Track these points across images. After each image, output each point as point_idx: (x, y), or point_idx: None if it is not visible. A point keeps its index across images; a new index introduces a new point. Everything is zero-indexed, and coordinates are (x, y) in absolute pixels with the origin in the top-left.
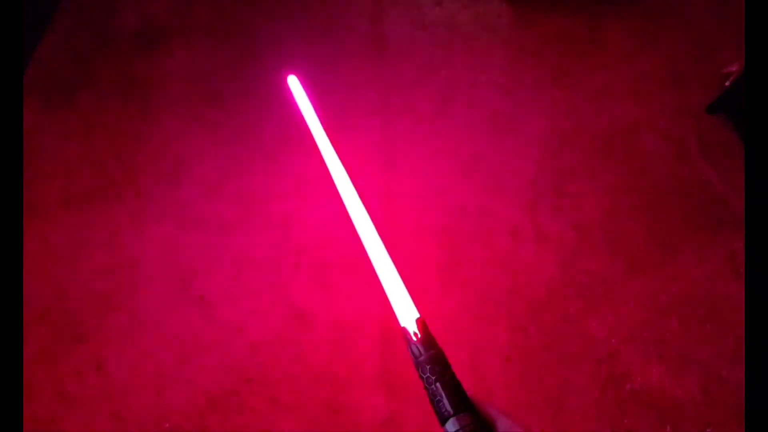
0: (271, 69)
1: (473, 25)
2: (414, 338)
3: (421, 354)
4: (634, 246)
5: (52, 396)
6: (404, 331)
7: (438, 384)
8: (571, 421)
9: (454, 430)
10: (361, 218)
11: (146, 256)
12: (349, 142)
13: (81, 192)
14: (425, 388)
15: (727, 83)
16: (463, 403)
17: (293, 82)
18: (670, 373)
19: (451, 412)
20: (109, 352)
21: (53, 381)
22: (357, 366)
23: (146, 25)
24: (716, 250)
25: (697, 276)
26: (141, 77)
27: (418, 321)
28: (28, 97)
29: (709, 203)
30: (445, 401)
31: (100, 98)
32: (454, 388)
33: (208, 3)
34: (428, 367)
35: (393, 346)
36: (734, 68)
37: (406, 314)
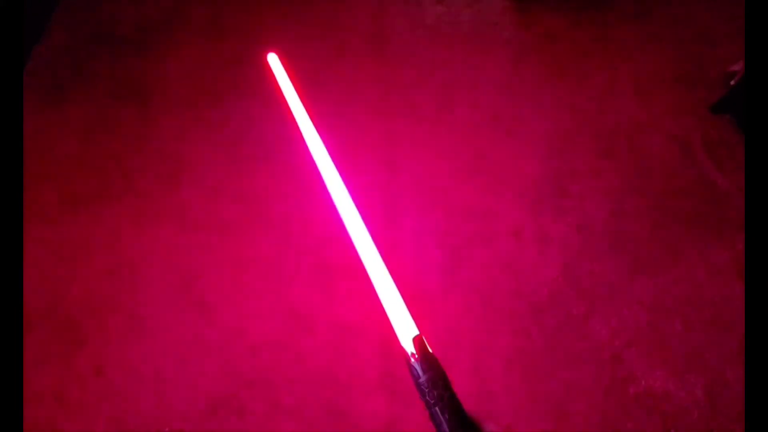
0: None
1: (475, 24)
2: (413, 359)
3: (419, 376)
4: (638, 247)
5: (51, 400)
6: (403, 351)
7: (437, 407)
8: (574, 425)
9: None
10: (357, 230)
11: (146, 258)
12: (349, 141)
13: (80, 193)
14: (426, 409)
15: (732, 82)
16: (463, 427)
17: (286, 85)
18: (674, 376)
19: None
20: (109, 355)
21: (53, 385)
22: (358, 369)
23: (145, 26)
24: (721, 251)
25: (701, 277)
26: (140, 78)
27: (416, 339)
28: (27, 97)
29: (714, 204)
30: (445, 426)
31: (98, 99)
32: (454, 411)
33: (207, 2)
34: (427, 389)
35: (394, 349)
36: (739, 67)
37: (405, 333)
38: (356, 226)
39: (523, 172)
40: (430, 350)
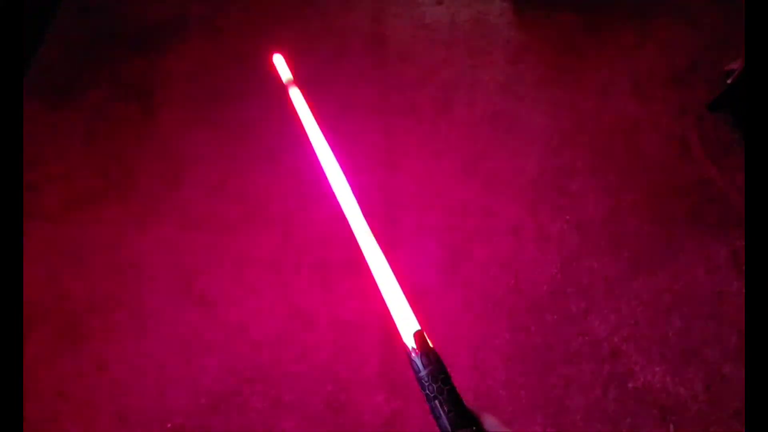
0: (271, 69)
1: (474, 24)
2: (414, 353)
3: (420, 370)
4: (636, 244)
5: (53, 396)
6: (404, 345)
7: (437, 401)
8: (573, 420)
9: None
10: (360, 227)
11: (148, 257)
12: (350, 141)
13: (82, 193)
14: (426, 402)
15: (729, 81)
16: (462, 419)
17: (292, 90)
18: (673, 371)
19: (450, 430)
20: (111, 352)
21: (55, 381)
22: (358, 365)
23: (147, 26)
24: (718, 248)
25: (699, 274)
26: (141, 78)
27: (416, 334)
28: (29, 98)
29: (711, 201)
30: (444, 419)
31: (100, 99)
32: (454, 404)
33: (208, 3)
34: (427, 383)
35: (394, 345)
36: (736, 66)
37: (406, 328)
38: (358, 222)
39: (522, 170)
40: (431, 345)
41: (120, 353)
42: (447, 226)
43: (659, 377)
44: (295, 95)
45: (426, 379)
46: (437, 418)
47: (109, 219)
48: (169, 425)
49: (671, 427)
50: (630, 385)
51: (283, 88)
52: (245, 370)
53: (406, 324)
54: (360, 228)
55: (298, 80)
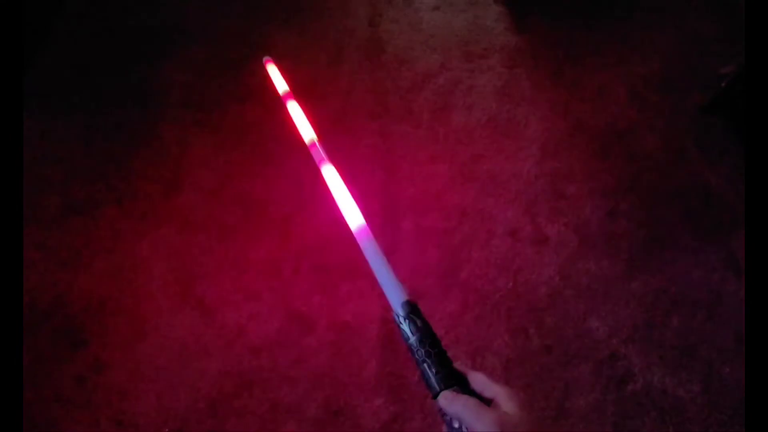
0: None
1: (470, 29)
2: (402, 321)
3: (408, 337)
4: (634, 246)
5: (52, 401)
6: (393, 314)
7: (425, 364)
8: (573, 423)
9: (443, 404)
10: (346, 203)
11: (146, 261)
12: (348, 145)
13: (81, 197)
14: (417, 368)
15: (723, 84)
16: (449, 379)
17: (281, 87)
18: (672, 373)
19: (438, 389)
20: (110, 356)
21: (53, 386)
22: (357, 368)
23: (146, 31)
24: (715, 249)
25: (696, 275)
26: (140, 83)
27: (404, 304)
28: (28, 102)
29: (707, 203)
30: (433, 379)
31: (99, 104)
32: (442, 365)
33: (208, 9)
34: (416, 348)
35: (393, 348)
36: (730, 69)
37: (395, 298)
38: (345, 198)
39: (520, 173)
40: (420, 312)
41: (118, 357)
42: (445, 229)
43: (658, 379)
44: (284, 95)
45: (414, 344)
46: (426, 380)
47: (108, 223)
48: (167, 430)
49: (671, 429)
50: (629, 387)
51: (276, 94)
52: (244, 373)
53: (395, 295)
54: (345, 203)
55: (297, 85)
